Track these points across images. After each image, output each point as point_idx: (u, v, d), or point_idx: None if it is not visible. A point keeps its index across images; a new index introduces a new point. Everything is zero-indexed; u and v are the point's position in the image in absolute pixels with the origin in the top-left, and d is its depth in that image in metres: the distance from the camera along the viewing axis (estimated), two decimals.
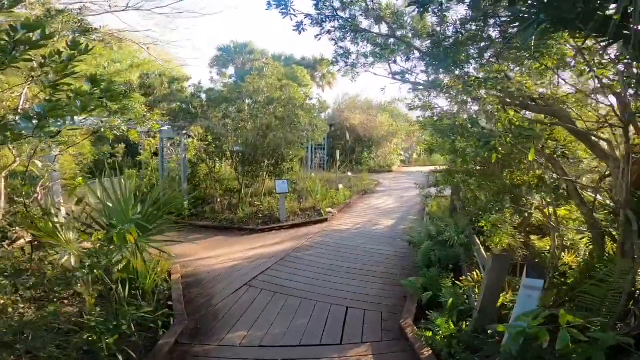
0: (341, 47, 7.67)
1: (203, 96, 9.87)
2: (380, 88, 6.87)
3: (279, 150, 10.18)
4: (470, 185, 5.17)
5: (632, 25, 1.77)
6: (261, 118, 10.49)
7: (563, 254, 3.99)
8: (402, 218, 9.44)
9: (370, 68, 7.60)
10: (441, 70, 4.65)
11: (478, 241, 4.11)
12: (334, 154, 17.37)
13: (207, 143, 10.72)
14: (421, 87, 6.58)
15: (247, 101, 9.94)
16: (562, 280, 3.56)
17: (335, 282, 5.39)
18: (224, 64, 21.13)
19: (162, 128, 10.19)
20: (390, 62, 6.88)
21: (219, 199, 9.61)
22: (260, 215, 9.05)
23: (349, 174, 14.78)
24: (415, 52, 5.78)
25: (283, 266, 5.95)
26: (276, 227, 8.35)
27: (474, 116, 4.31)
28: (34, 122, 2.06)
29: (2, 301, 3.08)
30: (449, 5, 4.37)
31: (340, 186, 11.64)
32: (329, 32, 6.76)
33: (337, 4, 5.24)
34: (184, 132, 10.01)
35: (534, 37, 2.79)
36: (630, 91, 3.15)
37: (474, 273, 4.10)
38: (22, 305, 3.21)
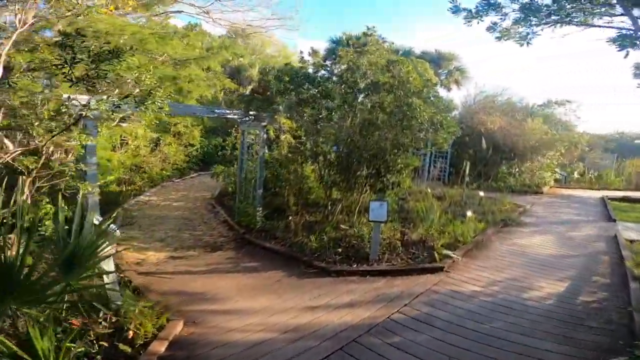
0: None
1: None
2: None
3: (382, 156, 7.34)
4: None
5: None
6: (362, 111, 7.86)
7: None
8: (579, 279, 5.52)
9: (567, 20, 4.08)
10: None
11: None
12: (459, 165, 13.62)
13: (300, 140, 8.60)
14: None
15: (340, 85, 7.40)
16: None
17: None
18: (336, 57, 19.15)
19: (242, 119, 8.42)
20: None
21: (293, 215, 7.27)
22: (343, 245, 6.35)
23: (481, 193, 10.90)
24: None
25: None
26: (359, 270, 5.52)
27: None
28: None
29: None
30: None
31: (469, 213, 8.09)
32: None
33: None
34: (264, 124, 8.03)
35: None
36: None
37: None
38: None
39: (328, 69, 7.57)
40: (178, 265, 6.11)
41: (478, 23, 4.44)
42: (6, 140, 4.41)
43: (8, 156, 4.50)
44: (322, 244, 6.31)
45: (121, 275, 5.24)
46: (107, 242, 3.91)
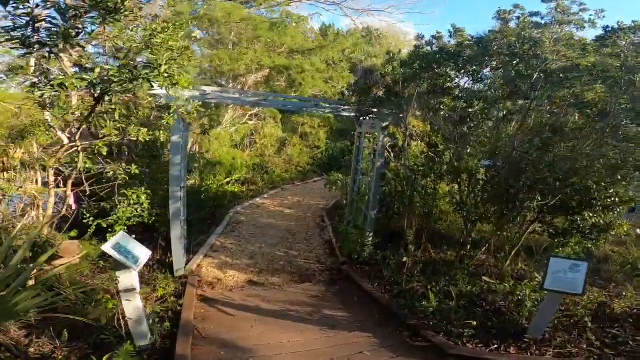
0: None
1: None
2: None
3: (579, 179, 4.53)
4: None
5: None
6: (540, 110, 5.29)
7: None
8: None
9: None
10: None
11: None
12: None
13: (435, 150, 6.39)
14: None
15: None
16: None
17: None
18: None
19: (358, 117, 6.70)
20: None
21: (411, 251, 5.15)
22: (480, 308, 4.00)
23: None
24: None
25: None
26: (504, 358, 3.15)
27: None
28: None
29: None
30: None
31: None
32: None
33: None
34: (385, 124, 6.17)
35: None
36: None
37: None
38: None
39: (476, 43, 5.19)
40: (251, 295, 4.82)
41: None
42: (60, 133, 3.93)
43: (63, 150, 3.99)
44: (445, 302, 4.09)
45: (174, 302, 4.26)
46: None
